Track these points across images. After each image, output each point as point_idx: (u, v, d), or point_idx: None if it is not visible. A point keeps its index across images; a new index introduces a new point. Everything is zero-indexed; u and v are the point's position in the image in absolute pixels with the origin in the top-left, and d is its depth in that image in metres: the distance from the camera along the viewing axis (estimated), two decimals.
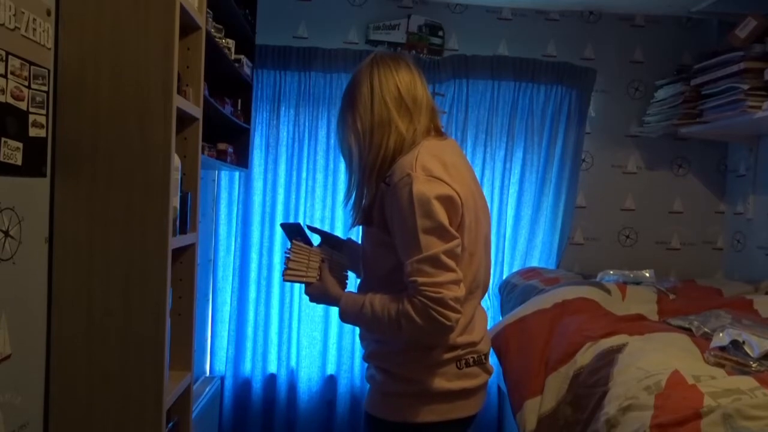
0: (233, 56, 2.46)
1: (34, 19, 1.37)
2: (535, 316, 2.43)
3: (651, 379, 1.68)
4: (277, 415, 3.24)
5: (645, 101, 3.32)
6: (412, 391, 1.44)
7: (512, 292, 2.95)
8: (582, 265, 3.33)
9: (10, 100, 1.30)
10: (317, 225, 3.18)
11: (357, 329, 1.63)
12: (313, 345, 3.25)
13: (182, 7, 1.58)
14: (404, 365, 1.45)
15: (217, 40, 2.19)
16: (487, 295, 1.87)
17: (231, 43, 2.41)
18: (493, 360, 1.58)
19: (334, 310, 1.51)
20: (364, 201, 1.48)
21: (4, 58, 1.27)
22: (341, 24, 3.24)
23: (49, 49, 1.45)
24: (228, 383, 3.22)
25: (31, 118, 1.38)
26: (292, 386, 3.25)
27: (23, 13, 1.33)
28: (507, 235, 3.29)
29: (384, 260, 1.45)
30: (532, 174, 3.27)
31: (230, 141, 2.60)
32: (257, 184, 3.22)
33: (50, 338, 1.52)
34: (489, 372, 1.53)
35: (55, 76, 1.48)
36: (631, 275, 2.88)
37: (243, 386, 3.24)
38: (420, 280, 1.32)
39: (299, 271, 1.52)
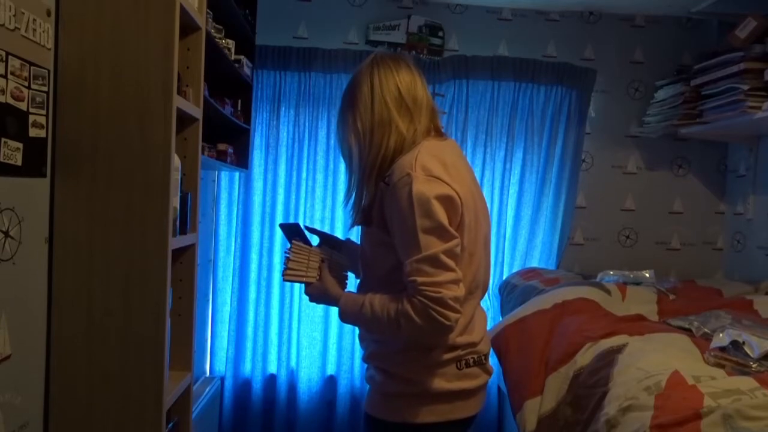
0: (233, 56, 2.46)
1: (34, 20, 1.37)
2: (535, 317, 2.43)
3: (651, 379, 1.68)
4: (277, 416, 3.24)
5: (645, 101, 3.32)
6: (412, 391, 1.44)
7: (512, 293, 2.95)
8: (582, 265, 3.33)
9: (10, 101, 1.30)
10: (317, 225, 3.19)
11: (357, 330, 1.63)
12: (313, 345, 3.25)
13: (182, 8, 1.58)
14: (404, 366, 1.45)
15: (217, 40, 2.19)
16: (487, 295, 1.87)
17: (231, 43, 2.41)
18: (493, 360, 1.58)
19: (334, 311, 1.51)
20: (363, 201, 1.48)
21: (4, 59, 1.27)
22: (341, 24, 3.24)
23: (49, 49, 1.45)
24: (228, 383, 3.22)
25: (31, 118, 1.38)
26: (292, 386, 3.25)
27: (23, 13, 1.33)
28: (507, 236, 3.29)
29: (383, 260, 1.45)
30: (532, 174, 3.27)
31: (230, 141, 2.60)
32: (257, 185, 3.22)
33: (50, 338, 1.52)
34: (489, 372, 1.53)
35: (55, 76, 1.48)
36: (631, 275, 2.88)
37: (243, 386, 3.24)
38: (419, 279, 1.32)
39: (299, 271, 1.52)
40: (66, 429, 1.54)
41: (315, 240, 1.66)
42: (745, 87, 2.56)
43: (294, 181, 3.22)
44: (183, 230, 1.74)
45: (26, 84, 1.35)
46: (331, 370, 3.28)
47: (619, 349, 1.94)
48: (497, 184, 3.26)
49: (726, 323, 2.04)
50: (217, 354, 3.27)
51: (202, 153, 1.98)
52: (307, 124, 3.20)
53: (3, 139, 1.28)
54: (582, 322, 2.25)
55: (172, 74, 1.52)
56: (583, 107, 3.25)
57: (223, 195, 3.24)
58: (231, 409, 3.23)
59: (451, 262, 1.34)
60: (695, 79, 2.91)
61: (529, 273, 3.08)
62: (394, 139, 1.43)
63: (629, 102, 3.36)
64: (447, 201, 1.35)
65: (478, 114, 3.24)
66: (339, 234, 3.22)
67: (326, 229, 3.22)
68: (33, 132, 1.39)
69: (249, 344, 3.24)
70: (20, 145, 1.34)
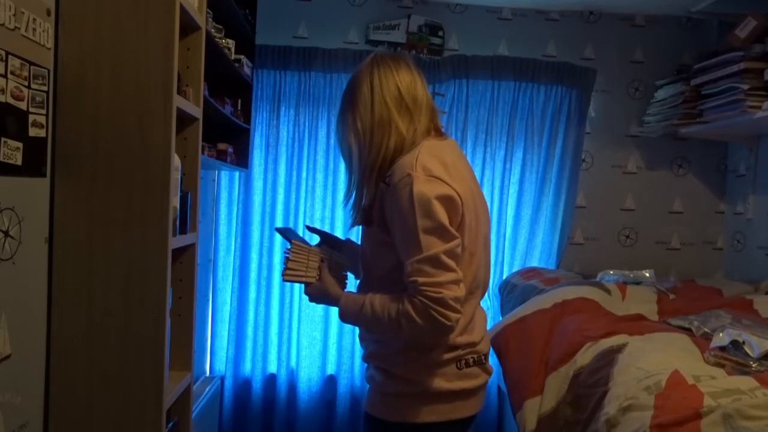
0: (233, 56, 2.46)
1: (34, 19, 1.37)
2: (535, 316, 2.43)
3: (651, 379, 1.68)
4: (277, 415, 3.24)
5: (645, 101, 3.32)
6: (412, 391, 1.44)
7: (512, 292, 2.95)
8: (582, 265, 3.33)
9: (10, 100, 1.30)
10: (317, 225, 3.19)
11: (357, 330, 1.63)
12: (313, 345, 3.25)
13: (182, 7, 1.58)
14: (404, 365, 1.45)
15: (217, 40, 2.19)
16: (487, 295, 1.87)
17: (231, 43, 2.41)
18: (493, 360, 1.58)
19: (334, 310, 1.51)
20: (364, 201, 1.48)
21: (4, 58, 1.27)
22: (341, 24, 3.24)
23: (49, 49, 1.45)
24: (228, 383, 3.22)
25: (31, 118, 1.38)
26: (292, 386, 3.25)
27: (23, 13, 1.33)
28: (507, 235, 3.29)
29: (384, 260, 1.45)
30: (532, 174, 3.27)
31: (230, 141, 2.60)
32: (257, 184, 3.22)
33: (50, 338, 1.52)
34: (489, 372, 1.53)
35: (55, 76, 1.48)
36: (631, 275, 2.88)
37: (243, 386, 3.24)
38: (420, 280, 1.32)
39: (299, 271, 1.52)
40: (66, 429, 1.54)
41: (315, 240, 1.66)
42: (745, 87, 2.56)
43: (294, 181, 3.22)
44: (183, 230, 1.74)
45: (26, 84, 1.35)
46: (331, 369, 3.28)
47: (619, 349, 1.94)
48: (497, 184, 3.26)
49: (726, 323, 2.04)
50: (217, 354, 3.27)
51: (202, 153, 1.98)
52: (307, 124, 3.20)
53: (3, 139, 1.28)
54: (582, 322, 2.25)
55: (172, 74, 1.52)
56: (583, 107, 3.25)
57: (223, 195, 3.24)
58: (231, 408, 3.23)
59: (451, 263, 1.34)
60: (695, 79, 2.91)
61: (529, 272, 3.08)
62: (394, 140, 1.43)
63: (629, 102, 3.36)
64: (448, 201, 1.35)
65: (478, 114, 3.24)
66: (339, 234, 3.23)
67: (326, 229, 3.22)
68: (33, 132, 1.39)
69: (249, 344, 3.24)
70: (20, 145, 1.34)
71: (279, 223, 3.23)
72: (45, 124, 1.44)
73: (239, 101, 2.74)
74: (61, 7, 1.48)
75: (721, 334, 1.82)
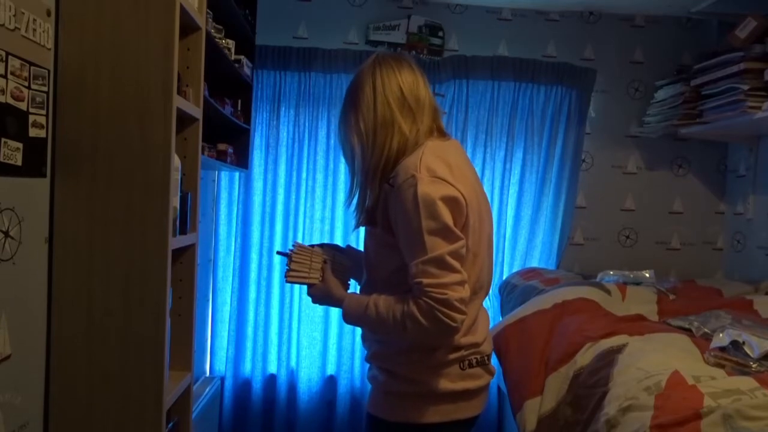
0: (233, 56, 2.46)
1: (34, 20, 1.37)
2: (535, 317, 2.43)
3: (651, 379, 1.68)
4: (277, 416, 3.24)
5: (645, 101, 3.32)
6: (415, 391, 1.44)
7: (512, 293, 2.95)
8: (582, 265, 3.33)
9: (10, 101, 1.30)
10: (317, 225, 3.21)
11: (357, 330, 1.63)
12: (313, 345, 3.25)
13: (182, 8, 1.58)
14: (407, 366, 1.45)
15: (217, 40, 2.19)
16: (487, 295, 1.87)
17: (231, 43, 2.41)
18: (493, 360, 1.58)
19: (335, 310, 1.52)
20: (367, 202, 1.48)
21: (4, 59, 1.27)
22: (341, 24, 3.24)
23: (49, 49, 1.45)
24: (228, 383, 3.22)
25: (31, 118, 1.38)
26: (292, 386, 3.25)
27: (23, 13, 1.33)
28: (507, 235, 3.29)
29: (387, 261, 1.45)
30: (532, 174, 3.27)
31: (230, 141, 2.60)
32: (257, 185, 3.22)
33: (50, 338, 1.52)
34: (491, 373, 1.53)
35: (55, 76, 1.48)
36: (631, 275, 2.88)
37: (243, 386, 3.24)
38: (425, 281, 1.32)
39: (301, 272, 1.52)
40: (66, 429, 1.54)
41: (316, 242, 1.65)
42: (745, 87, 2.56)
43: (294, 181, 3.22)
44: (183, 230, 1.74)
45: (26, 84, 1.35)
46: (331, 370, 3.27)
47: (619, 349, 1.94)
48: (497, 184, 3.26)
49: (726, 323, 2.04)
50: (217, 354, 3.27)
51: (202, 153, 1.98)
52: (307, 124, 3.20)
53: (3, 139, 1.28)
54: (582, 322, 2.25)
55: (172, 74, 1.52)
56: (583, 107, 3.25)
57: (223, 195, 3.24)
58: (231, 409, 3.23)
59: (456, 264, 1.34)
60: (695, 79, 2.91)
61: (529, 273, 3.08)
62: (397, 140, 1.43)
63: (629, 102, 3.36)
64: (452, 202, 1.35)
65: (478, 114, 3.24)
66: (340, 235, 3.23)
67: (326, 229, 3.23)
68: (33, 132, 1.39)
69: (249, 344, 3.24)
70: (20, 145, 1.34)
71: (279, 223, 3.23)
72: (45, 125, 1.44)
73: (239, 101, 2.74)
74: (61, 7, 1.48)
75: (721, 335, 1.82)
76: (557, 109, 3.24)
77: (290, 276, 1.52)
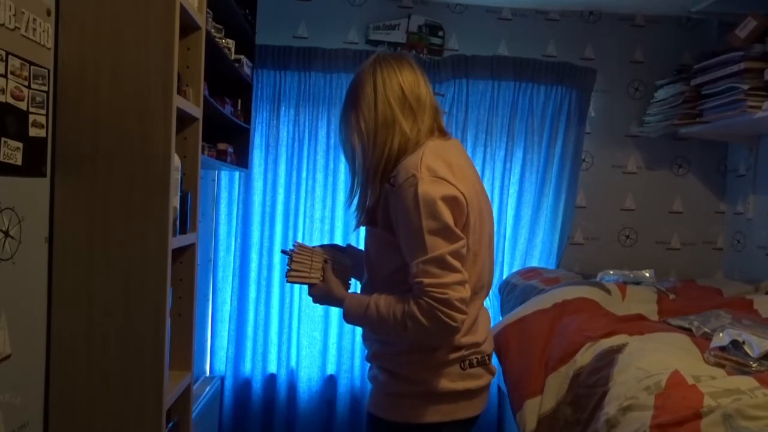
0: (233, 56, 2.46)
1: (34, 19, 1.37)
2: (535, 316, 2.43)
3: (651, 379, 1.68)
4: (277, 415, 3.24)
5: (645, 101, 3.32)
6: (416, 391, 1.44)
7: (512, 292, 2.95)
8: (582, 265, 3.33)
9: (10, 100, 1.30)
10: (317, 225, 3.20)
11: (357, 329, 1.63)
12: (313, 345, 3.25)
13: (182, 7, 1.58)
14: (408, 365, 1.45)
15: (217, 40, 2.19)
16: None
17: (231, 43, 2.41)
18: (493, 360, 1.58)
19: (335, 310, 1.52)
20: (368, 202, 1.48)
21: (4, 58, 1.27)
22: (341, 24, 3.24)
23: (49, 49, 1.45)
24: (228, 383, 3.22)
25: (31, 118, 1.38)
26: (292, 386, 3.25)
27: (23, 13, 1.33)
28: (507, 235, 3.29)
29: (388, 261, 1.45)
30: (532, 174, 3.27)
31: (230, 141, 2.60)
32: (257, 184, 3.22)
33: (50, 338, 1.52)
34: (492, 373, 1.53)
35: (55, 76, 1.48)
36: (631, 275, 2.88)
37: (243, 386, 3.24)
38: (426, 281, 1.32)
39: (302, 272, 1.52)
40: (66, 429, 1.54)
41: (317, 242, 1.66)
42: (745, 87, 2.56)
43: (294, 181, 3.22)
44: (183, 230, 1.74)
45: (26, 84, 1.35)
46: (331, 369, 3.27)
47: (619, 349, 1.94)
48: (497, 184, 3.26)
49: (726, 323, 2.04)
50: (217, 354, 3.27)
51: (202, 153, 1.98)
52: (307, 124, 3.20)
53: (3, 139, 1.28)
54: (582, 322, 2.25)
55: (172, 74, 1.52)
56: (583, 107, 3.25)
57: (223, 195, 3.24)
58: (231, 408, 3.23)
59: (457, 264, 1.34)
60: (695, 79, 2.91)
61: (529, 272, 3.08)
62: (398, 140, 1.43)
63: (629, 102, 3.36)
64: (453, 202, 1.35)
65: (478, 114, 3.24)
66: (340, 235, 3.23)
67: (326, 229, 3.23)
68: (33, 132, 1.39)
69: (249, 344, 3.23)
70: (20, 145, 1.34)
71: (279, 223, 3.23)
72: (45, 124, 1.44)
73: (239, 101, 2.74)
74: (61, 7, 1.48)
75: (721, 334, 1.82)
76: (557, 109, 3.24)
77: (291, 276, 1.52)
